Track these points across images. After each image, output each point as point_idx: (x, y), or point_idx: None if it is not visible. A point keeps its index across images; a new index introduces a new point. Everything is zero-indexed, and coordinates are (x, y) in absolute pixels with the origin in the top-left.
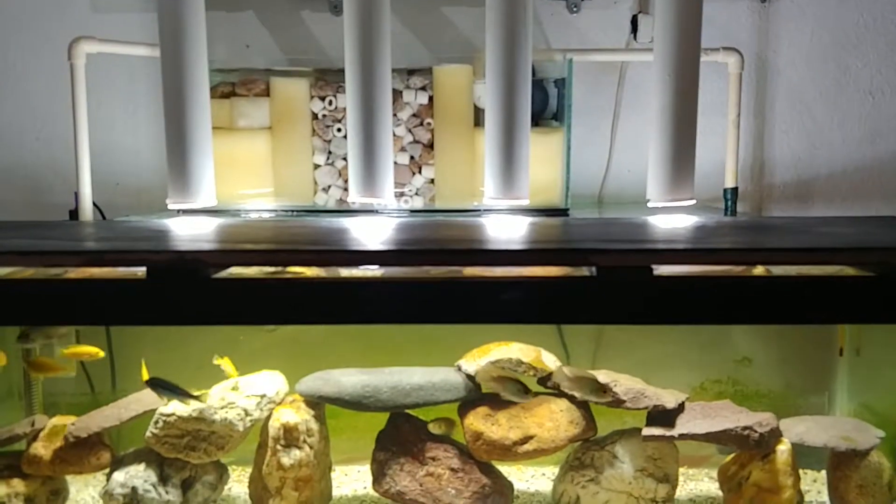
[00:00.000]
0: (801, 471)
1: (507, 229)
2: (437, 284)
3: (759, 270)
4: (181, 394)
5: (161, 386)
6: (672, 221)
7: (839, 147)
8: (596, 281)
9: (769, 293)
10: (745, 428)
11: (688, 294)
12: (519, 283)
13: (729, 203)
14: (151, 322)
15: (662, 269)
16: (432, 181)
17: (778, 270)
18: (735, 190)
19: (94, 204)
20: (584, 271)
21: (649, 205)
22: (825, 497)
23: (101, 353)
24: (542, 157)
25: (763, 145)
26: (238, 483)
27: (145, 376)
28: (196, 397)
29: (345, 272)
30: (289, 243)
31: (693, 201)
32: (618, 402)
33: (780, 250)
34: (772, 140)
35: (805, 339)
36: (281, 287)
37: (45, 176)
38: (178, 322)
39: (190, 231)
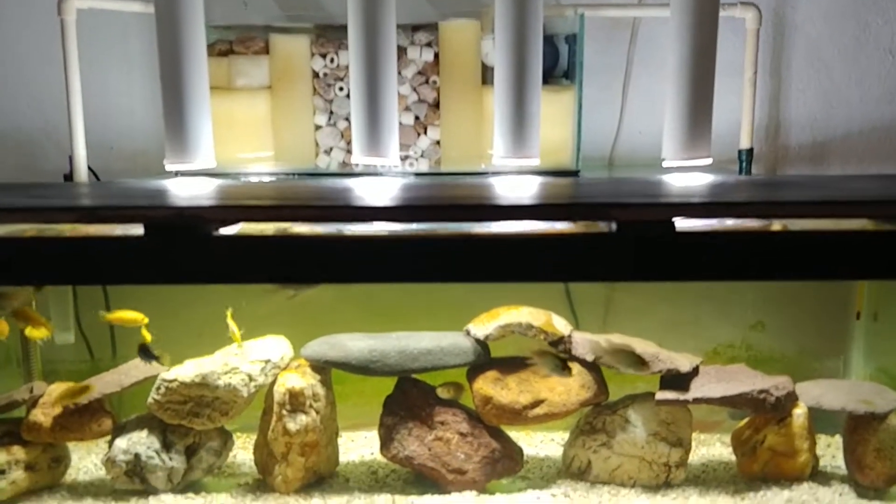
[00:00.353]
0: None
1: (517, 188)
2: (448, 242)
3: (777, 227)
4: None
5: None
6: (688, 180)
7: (857, 106)
8: (615, 237)
9: (795, 248)
10: (762, 391)
11: (712, 250)
12: (534, 240)
13: (744, 164)
14: (150, 281)
15: (682, 225)
16: (438, 143)
17: (798, 227)
18: (750, 151)
19: (89, 168)
20: (602, 228)
21: (664, 164)
22: (840, 461)
23: (145, 320)
24: (553, 117)
25: (779, 105)
26: (243, 450)
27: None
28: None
29: (350, 230)
30: (292, 200)
31: (710, 160)
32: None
33: (805, 203)
34: (788, 99)
35: (820, 303)
36: (285, 244)
37: (39, 140)
38: (178, 281)
39: (189, 190)
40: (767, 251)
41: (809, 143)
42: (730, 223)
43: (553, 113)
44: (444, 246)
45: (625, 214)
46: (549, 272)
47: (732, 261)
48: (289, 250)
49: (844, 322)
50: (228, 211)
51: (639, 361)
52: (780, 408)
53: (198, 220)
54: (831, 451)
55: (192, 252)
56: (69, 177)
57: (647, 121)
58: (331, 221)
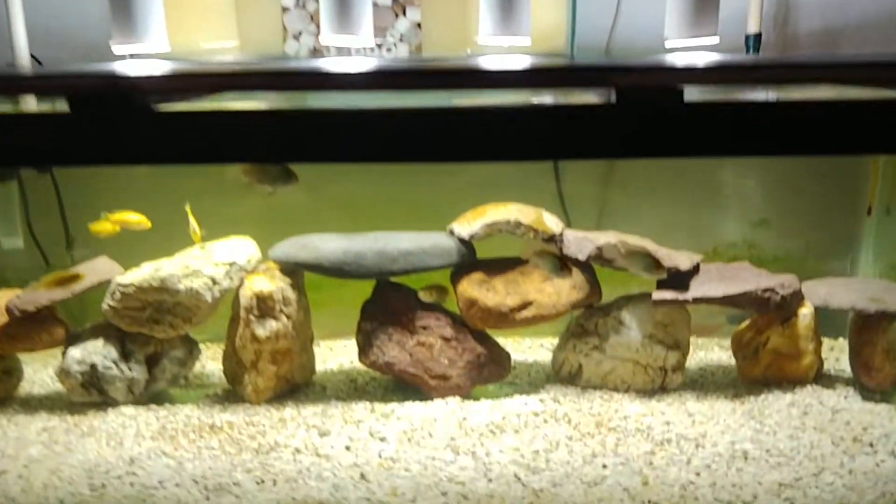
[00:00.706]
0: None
1: (506, 62)
2: (428, 115)
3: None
4: None
5: None
6: (693, 57)
7: None
8: (615, 108)
9: (812, 118)
10: (766, 290)
11: (724, 120)
12: (525, 112)
13: (751, 51)
14: (75, 161)
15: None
16: (419, 25)
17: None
18: (758, 36)
19: (33, 56)
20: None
21: (667, 44)
22: (843, 365)
23: (148, 224)
24: None
25: None
26: (213, 361)
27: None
28: None
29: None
30: (246, 71)
31: (717, 38)
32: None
33: (822, 66)
34: None
35: (829, 199)
36: (233, 119)
37: None
38: (107, 161)
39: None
40: (785, 121)
41: (821, 29)
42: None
43: None
44: (420, 120)
45: (626, 80)
46: (543, 149)
47: (748, 132)
48: (238, 125)
49: (854, 219)
50: (170, 80)
51: (654, 264)
52: (785, 307)
53: (133, 91)
54: (834, 355)
55: (125, 128)
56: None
57: (646, 6)
58: (289, 89)
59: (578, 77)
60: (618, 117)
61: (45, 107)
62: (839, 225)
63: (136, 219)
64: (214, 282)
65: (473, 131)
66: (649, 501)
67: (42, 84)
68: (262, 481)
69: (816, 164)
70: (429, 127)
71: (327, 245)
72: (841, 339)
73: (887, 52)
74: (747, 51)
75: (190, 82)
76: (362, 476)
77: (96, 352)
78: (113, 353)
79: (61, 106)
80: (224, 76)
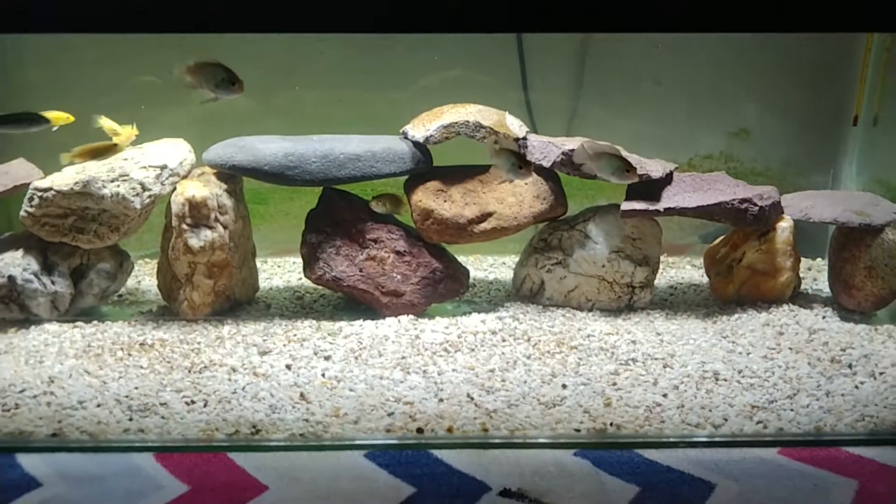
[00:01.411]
0: None
1: None
2: None
3: None
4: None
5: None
6: None
7: None
8: None
9: None
10: (744, 201)
11: None
12: None
13: None
14: None
15: None
16: None
17: None
18: None
19: None
20: None
21: None
22: (822, 284)
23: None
24: None
25: None
26: (150, 276)
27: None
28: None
29: None
30: None
31: None
32: (592, 174)
33: None
34: None
35: (812, 108)
36: None
37: None
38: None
39: None
40: None
41: None
42: None
43: None
44: None
45: None
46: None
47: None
48: None
49: (838, 129)
50: None
51: (624, 167)
52: (763, 220)
53: None
54: (812, 275)
55: None
56: None
57: None
58: None
59: None
60: None
61: None
62: (822, 136)
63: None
64: (144, 187)
65: None
66: (612, 424)
67: None
68: (193, 402)
69: (800, 69)
70: None
71: (268, 147)
72: (820, 260)
73: None
74: None
75: None
76: (302, 396)
77: (15, 263)
78: (34, 265)
79: None
80: None
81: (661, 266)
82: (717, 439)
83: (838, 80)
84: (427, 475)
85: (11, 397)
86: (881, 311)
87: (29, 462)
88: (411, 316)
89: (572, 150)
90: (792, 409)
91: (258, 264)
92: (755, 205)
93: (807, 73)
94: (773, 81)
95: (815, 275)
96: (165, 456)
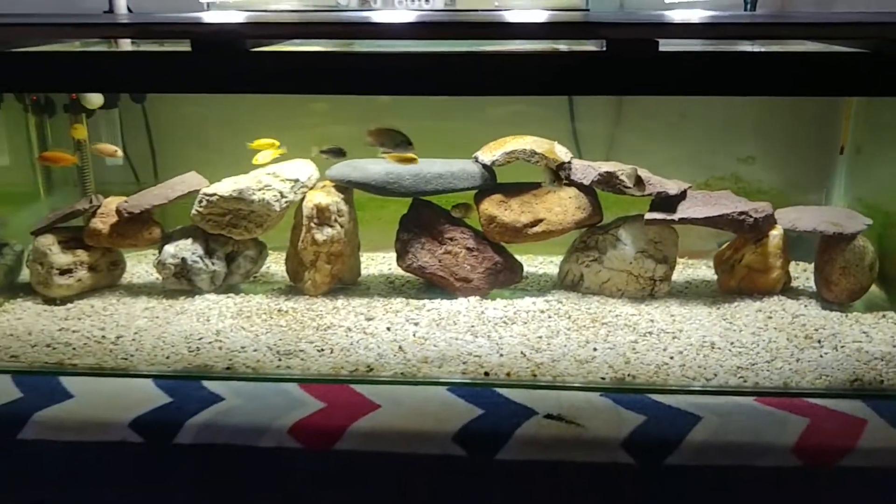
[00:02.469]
0: (793, 262)
1: (525, 16)
2: (459, 58)
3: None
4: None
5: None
6: (688, 14)
7: None
8: (605, 55)
9: (759, 66)
10: (742, 213)
11: (690, 67)
12: (534, 56)
13: (748, 6)
14: (197, 89)
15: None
16: None
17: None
18: None
19: (128, 7)
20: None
21: (666, 1)
22: (811, 283)
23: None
24: None
25: None
26: (276, 263)
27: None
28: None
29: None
30: (318, 21)
31: None
32: (624, 189)
33: (775, 25)
34: None
35: (807, 139)
36: (313, 59)
37: None
38: (221, 89)
39: (226, 16)
40: (737, 69)
41: None
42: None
43: None
44: (453, 62)
45: (614, 33)
46: (546, 86)
47: (709, 77)
48: (316, 64)
49: (829, 157)
50: (265, 28)
51: (638, 182)
52: (758, 229)
53: (238, 37)
54: (806, 275)
55: (232, 64)
56: (109, 12)
57: None
58: (353, 37)
59: (575, 31)
60: (606, 62)
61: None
62: (816, 162)
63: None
64: (282, 195)
65: (495, 71)
66: (629, 375)
67: (170, 31)
68: (322, 350)
69: (798, 108)
70: (460, 67)
71: (374, 167)
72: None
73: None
74: (745, 5)
75: (280, 31)
76: (400, 348)
77: (186, 248)
78: (199, 250)
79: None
80: (306, 26)
81: (680, 266)
82: (708, 389)
83: (830, 115)
84: (492, 403)
85: (194, 342)
86: (856, 302)
87: (212, 385)
88: (477, 297)
89: (607, 172)
90: (768, 371)
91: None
92: (751, 216)
93: (804, 108)
94: (776, 116)
95: (809, 275)
96: (306, 385)
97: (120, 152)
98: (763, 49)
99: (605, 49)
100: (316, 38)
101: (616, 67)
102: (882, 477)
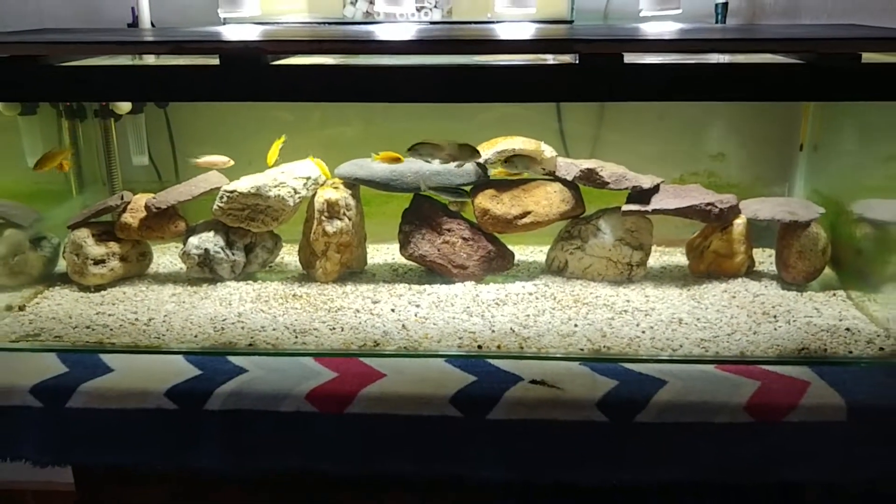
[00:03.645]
0: (760, 249)
1: (512, 31)
2: (455, 70)
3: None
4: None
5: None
6: (659, 27)
7: None
8: (577, 67)
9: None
10: (709, 204)
11: (651, 77)
12: (520, 68)
13: (719, 18)
14: (224, 99)
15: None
16: None
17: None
18: (725, 5)
19: (151, 22)
20: (571, 60)
21: (641, 14)
22: (773, 267)
23: (231, 163)
24: None
25: None
26: (289, 255)
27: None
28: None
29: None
30: (331, 37)
31: (679, 10)
32: (603, 184)
33: (724, 41)
34: None
35: (772, 137)
36: (325, 71)
37: None
38: (244, 99)
39: (244, 32)
40: (695, 78)
41: None
42: (674, 58)
43: None
44: (450, 73)
45: (585, 48)
46: (528, 94)
47: (667, 86)
48: (331, 76)
49: (791, 153)
50: (284, 44)
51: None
52: (723, 218)
53: (261, 52)
54: (771, 260)
55: (256, 76)
56: (133, 25)
57: None
58: (363, 53)
59: (554, 46)
60: (579, 73)
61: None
62: (779, 159)
63: (217, 162)
64: (296, 191)
65: (487, 80)
66: (605, 347)
67: (202, 48)
68: (334, 328)
69: (763, 110)
70: (457, 77)
71: (379, 165)
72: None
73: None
74: (716, 17)
75: (298, 47)
76: (403, 326)
77: (209, 240)
78: (221, 241)
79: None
80: (321, 42)
81: (657, 254)
82: (674, 358)
83: (791, 115)
84: (484, 371)
85: (218, 323)
86: (811, 283)
87: (236, 360)
88: (472, 282)
89: (588, 169)
90: (727, 342)
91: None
92: (717, 207)
93: (769, 108)
94: (744, 117)
95: (772, 260)
96: (320, 359)
97: (231, 161)
98: (725, 60)
99: (577, 62)
100: (328, 53)
101: (587, 78)
102: (820, 429)
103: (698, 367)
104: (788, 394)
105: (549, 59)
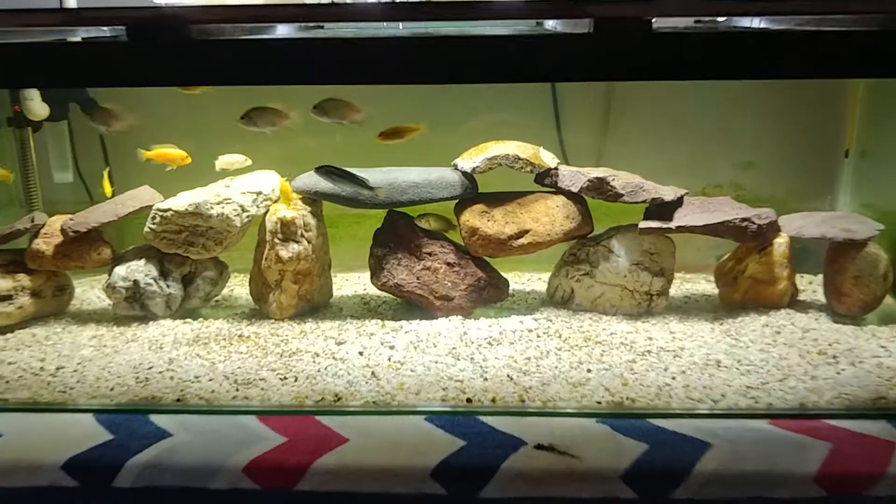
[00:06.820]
0: (798, 275)
1: None
2: (431, 42)
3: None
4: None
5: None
6: None
7: None
8: (593, 37)
9: (764, 46)
10: (744, 220)
11: (687, 47)
12: (515, 39)
13: None
14: (133, 83)
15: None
16: None
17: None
18: None
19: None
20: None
21: None
22: (820, 295)
23: (188, 160)
24: None
25: None
26: (240, 286)
27: (108, 191)
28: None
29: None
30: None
31: None
32: (615, 196)
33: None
34: None
35: (809, 143)
36: (264, 47)
37: None
38: (161, 83)
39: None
40: (741, 49)
41: None
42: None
43: None
44: (426, 46)
45: (601, 11)
46: (530, 72)
47: (707, 58)
48: (268, 53)
49: (833, 161)
50: (210, 11)
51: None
52: (761, 236)
53: (179, 20)
54: (812, 287)
55: (174, 54)
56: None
57: None
58: (312, 21)
59: (562, 9)
60: (594, 45)
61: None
62: (820, 167)
63: (173, 156)
64: (243, 209)
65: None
66: (627, 398)
67: (103, 16)
68: (285, 378)
69: (799, 110)
70: (435, 52)
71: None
72: (821, 276)
73: None
74: None
75: (227, 14)
76: (373, 374)
77: (138, 270)
78: (153, 271)
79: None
80: (258, 7)
81: (678, 281)
82: (715, 412)
83: (831, 117)
84: (475, 433)
85: (142, 373)
86: (869, 314)
87: (159, 420)
88: (460, 317)
89: (597, 178)
90: (781, 390)
91: None
92: (754, 223)
93: (805, 112)
94: (776, 120)
95: (815, 287)
96: (266, 417)
97: (188, 158)
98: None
99: (592, 30)
100: (272, 22)
101: (606, 50)
102: None
103: (748, 424)
104: (870, 458)
105: (550, 25)
